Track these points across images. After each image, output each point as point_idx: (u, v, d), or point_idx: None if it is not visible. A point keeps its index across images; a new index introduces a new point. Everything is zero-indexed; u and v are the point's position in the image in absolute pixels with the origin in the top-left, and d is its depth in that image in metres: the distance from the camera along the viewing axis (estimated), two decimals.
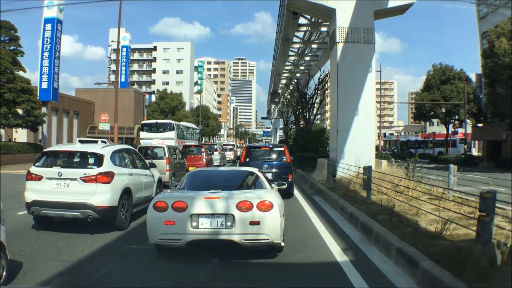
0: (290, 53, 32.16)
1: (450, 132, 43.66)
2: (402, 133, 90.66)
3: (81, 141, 22.45)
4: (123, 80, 58.39)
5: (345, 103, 15.81)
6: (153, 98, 65.77)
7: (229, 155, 34.20)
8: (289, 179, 11.48)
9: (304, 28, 25.44)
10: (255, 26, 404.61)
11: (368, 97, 15.76)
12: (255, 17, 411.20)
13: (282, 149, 12.75)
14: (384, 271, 4.94)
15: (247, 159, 12.16)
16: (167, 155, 14.38)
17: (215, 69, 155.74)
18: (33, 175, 7.09)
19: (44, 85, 32.62)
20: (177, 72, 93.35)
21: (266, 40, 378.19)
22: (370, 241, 6.32)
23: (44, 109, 31.91)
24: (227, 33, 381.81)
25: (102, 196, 6.91)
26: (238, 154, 35.08)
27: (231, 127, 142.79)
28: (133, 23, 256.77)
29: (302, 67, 38.22)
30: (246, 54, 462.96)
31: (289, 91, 44.97)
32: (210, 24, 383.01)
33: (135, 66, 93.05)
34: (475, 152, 43.69)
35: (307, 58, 34.30)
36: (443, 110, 38.82)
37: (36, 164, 7.27)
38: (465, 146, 42.55)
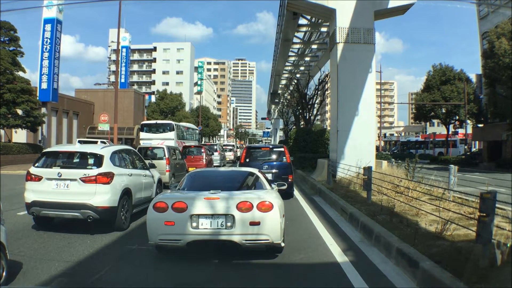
0: (290, 53, 32.17)
1: (450, 132, 43.64)
2: (403, 134, 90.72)
3: (80, 142, 22.47)
4: (123, 80, 58.43)
5: (345, 103, 15.80)
6: (153, 98, 65.80)
7: (229, 155, 34.19)
8: (289, 180, 11.47)
9: (304, 29, 25.44)
10: (257, 27, 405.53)
11: (368, 98, 15.74)
12: (257, 17, 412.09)
13: (282, 149, 12.74)
14: (385, 271, 4.94)
15: (247, 160, 12.15)
16: (167, 156, 14.37)
17: (215, 69, 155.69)
18: (33, 176, 7.08)
19: (44, 85, 32.65)
20: (177, 72, 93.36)
21: (268, 41, 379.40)
22: (370, 241, 6.32)
23: (43, 110, 31.94)
24: (229, 34, 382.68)
25: (102, 196, 6.90)
26: (238, 154, 35.09)
27: (231, 127, 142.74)
28: (134, 23, 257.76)
29: (302, 68, 38.24)
30: (248, 55, 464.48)
31: (289, 91, 44.97)
32: (212, 24, 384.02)
33: (135, 67, 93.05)
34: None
35: (307, 59, 34.31)
36: (443, 111, 38.80)
37: (36, 165, 7.25)
38: (466, 147, 42.54)
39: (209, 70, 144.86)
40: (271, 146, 13.74)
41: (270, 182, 6.80)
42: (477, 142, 45.92)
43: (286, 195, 10.48)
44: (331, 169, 14.43)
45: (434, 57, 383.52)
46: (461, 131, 48.09)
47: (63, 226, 7.45)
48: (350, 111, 15.66)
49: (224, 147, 34.24)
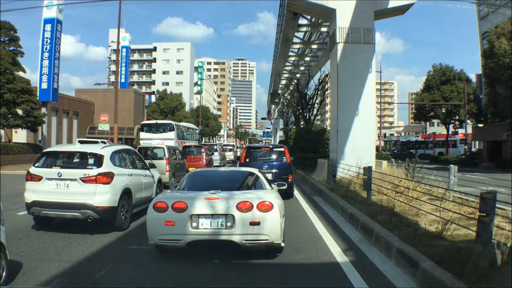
0: (290, 53, 32.14)
1: (450, 132, 43.64)
2: (403, 134, 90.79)
3: (80, 142, 22.46)
4: (123, 80, 58.46)
5: (345, 103, 15.80)
6: (153, 98, 65.80)
7: (229, 155, 34.19)
8: (289, 180, 11.46)
9: (304, 29, 25.43)
10: (258, 27, 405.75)
11: (368, 98, 15.75)
12: (258, 17, 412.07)
13: (282, 149, 12.73)
14: (385, 271, 4.93)
15: (247, 160, 12.15)
16: (167, 156, 14.37)
17: (215, 69, 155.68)
18: (33, 176, 7.08)
19: (44, 85, 32.66)
20: (177, 72, 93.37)
21: (268, 41, 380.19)
22: (370, 241, 6.31)
23: (43, 110, 31.95)
24: (230, 34, 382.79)
25: (102, 196, 6.90)
26: (238, 154, 35.08)
27: (231, 127, 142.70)
28: (134, 23, 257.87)
29: (302, 68, 38.22)
30: (248, 55, 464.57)
31: (289, 91, 44.98)
32: (213, 24, 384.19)
33: (135, 67, 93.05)
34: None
35: (307, 59, 34.29)
36: (443, 111, 38.79)
37: (36, 165, 7.25)
38: (466, 147, 42.55)
39: (209, 70, 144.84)
40: (271, 146, 13.73)
41: (270, 182, 6.80)
42: (477, 142, 45.95)
43: (286, 195, 10.49)
44: (331, 169, 14.43)
45: (434, 57, 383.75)
46: (461, 131, 48.07)
47: (63, 226, 7.44)
48: (350, 111, 15.67)
49: (224, 147, 34.25)
